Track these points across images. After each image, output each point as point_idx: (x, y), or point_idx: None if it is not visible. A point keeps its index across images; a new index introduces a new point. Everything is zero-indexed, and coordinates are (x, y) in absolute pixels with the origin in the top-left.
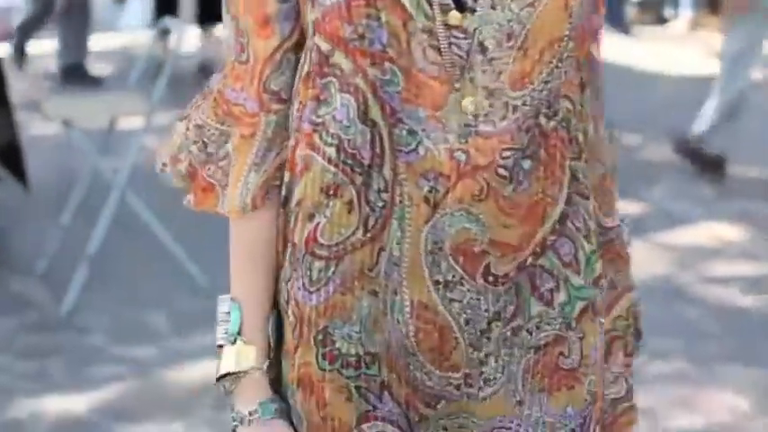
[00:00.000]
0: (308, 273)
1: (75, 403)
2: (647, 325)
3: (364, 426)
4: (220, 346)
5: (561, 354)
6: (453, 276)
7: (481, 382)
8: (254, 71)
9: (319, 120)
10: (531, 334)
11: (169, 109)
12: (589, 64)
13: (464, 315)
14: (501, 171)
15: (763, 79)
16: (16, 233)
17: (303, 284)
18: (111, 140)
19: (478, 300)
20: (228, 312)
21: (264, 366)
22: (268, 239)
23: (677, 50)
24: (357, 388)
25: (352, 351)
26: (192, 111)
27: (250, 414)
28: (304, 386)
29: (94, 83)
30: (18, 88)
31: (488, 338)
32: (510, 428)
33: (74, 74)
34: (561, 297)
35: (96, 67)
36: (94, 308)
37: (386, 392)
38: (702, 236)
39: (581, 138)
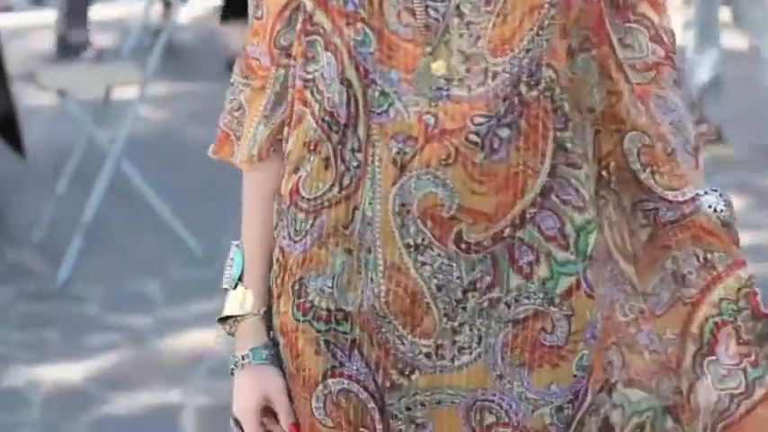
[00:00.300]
0: (293, 223)
1: (71, 372)
2: None
3: (329, 381)
4: (226, 290)
5: (543, 329)
6: (423, 240)
7: (455, 351)
8: (266, 26)
9: (309, 76)
10: (509, 307)
11: (164, 79)
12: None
13: (435, 280)
14: (472, 137)
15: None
16: (12, 203)
17: (288, 234)
18: (106, 110)
19: (450, 266)
20: (233, 258)
21: (261, 312)
22: (272, 190)
23: None
24: (326, 342)
25: (324, 305)
26: None
27: (243, 358)
28: (283, 334)
29: (92, 54)
30: (14, 60)
31: (464, 308)
32: (493, 401)
33: (72, 45)
34: (542, 272)
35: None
36: (90, 277)
37: (356, 351)
38: None
39: (567, 107)
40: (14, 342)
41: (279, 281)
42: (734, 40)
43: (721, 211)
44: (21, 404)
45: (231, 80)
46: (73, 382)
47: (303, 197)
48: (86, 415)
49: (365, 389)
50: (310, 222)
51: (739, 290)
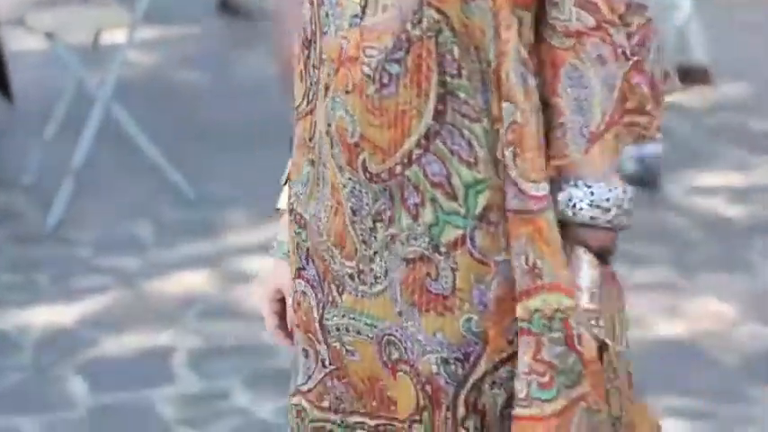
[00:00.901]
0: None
1: (61, 314)
2: (631, 232)
3: (296, 281)
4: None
5: (428, 275)
6: (340, 160)
7: (372, 279)
8: None
9: None
10: (402, 245)
11: (153, 22)
12: None
13: (350, 203)
14: (365, 69)
15: None
16: (1, 147)
17: (291, 138)
18: (95, 54)
19: (361, 192)
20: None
21: None
22: None
23: None
24: (296, 244)
25: (298, 209)
26: None
27: (270, 249)
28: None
29: None
30: (2, 4)
31: (375, 238)
32: (396, 337)
33: None
34: (428, 216)
35: None
36: (80, 220)
37: (310, 259)
38: (690, 147)
39: (457, 53)
40: (5, 285)
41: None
42: None
43: (580, 209)
44: (11, 347)
45: None
46: (64, 325)
47: (294, 106)
48: (77, 357)
49: (315, 296)
50: (295, 130)
51: (557, 311)
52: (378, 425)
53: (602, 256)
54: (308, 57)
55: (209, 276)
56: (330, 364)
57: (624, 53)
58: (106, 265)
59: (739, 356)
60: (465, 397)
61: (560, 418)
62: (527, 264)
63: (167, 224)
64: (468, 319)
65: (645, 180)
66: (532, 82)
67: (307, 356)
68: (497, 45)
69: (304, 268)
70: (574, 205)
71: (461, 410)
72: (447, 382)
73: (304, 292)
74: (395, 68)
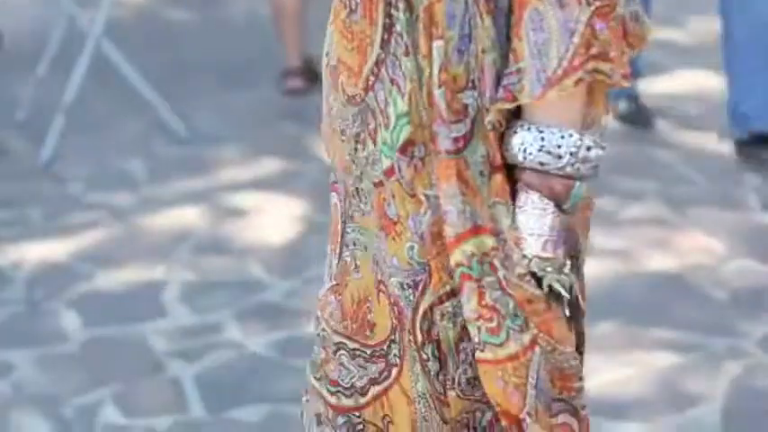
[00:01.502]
0: None
1: (54, 249)
2: (622, 168)
3: (331, 194)
4: None
5: (384, 199)
6: (330, 81)
7: (364, 197)
8: None
9: None
10: (371, 168)
11: None
12: None
13: (339, 124)
14: None
15: None
16: None
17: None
18: None
19: (345, 114)
20: None
21: None
22: None
23: None
24: (333, 153)
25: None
26: None
27: None
28: None
29: None
30: None
31: (357, 159)
32: (379, 257)
33: None
34: (380, 142)
35: None
36: (73, 157)
37: (337, 172)
38: (681, 82)
39: None
40: None
41: None
42: None
43: (530, 153)
44: (5, 282)
45: None
46: (57, 260)
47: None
48: (70, 292)
49: (341, 209)
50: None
51: (485, 254)
52: (355, 348)
53: (558, 203)
54: None
55: (201, 212)
56: (333, 279)
57: None
58: (99, 200)
59: (728, 291)
60: (420, 324)
61: (515, 361)
62: (458, 206)
63: (159, 160)
64: (411, 247)
65: (638, 118)
66: (481, 23)
67: (330, 266)
68: None
69: (336, 181)
70: (525, 149)
71: (419, 336)
72: (406, 307)
73: (336, 204)
74: None
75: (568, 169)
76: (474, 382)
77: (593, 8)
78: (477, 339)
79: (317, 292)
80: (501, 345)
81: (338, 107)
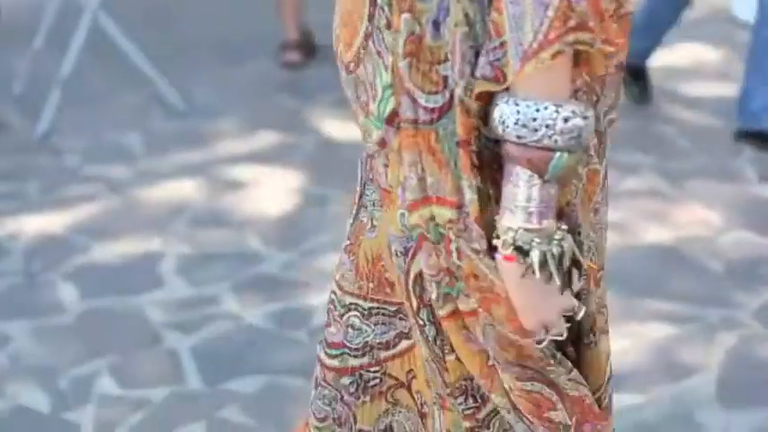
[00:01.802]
0: None
1: (52, 222)
2: (620, 141)
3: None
4: None
5: (377, 169)
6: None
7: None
8: None
9: None
10: (368, 138)
11: None
12: None
13: (346, 91)
14: None
15: None
16: None
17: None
18: None
19: (347, 81)
20: None
21: None
22: None
23: None
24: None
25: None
26: None
27: None
28: None
29: None
30: None
31: (360, 126)
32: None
33: None
34: (371, 114)
35: None
36: (70, 130)
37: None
38: (679, 57)
39: None
40: None
41: None
42: None
43: (507, 126)
44: (2, 254)
45: None
46: (54, 232)
47: None
48: (67, 264)
49: (362, 171)
50: None
51: (438, 225)
52: (371, 308)
53: (541, 174)
54: None
55: (198, 184)
56: (347, 239)
57: None
58: (96, 173)
59: (724, 262)
60: (413, 289)
61: (470, 317)
62: (418, 174)
63: (157, 134)
64: (402, 215)
65: (637, 92)
66: None
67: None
68: None
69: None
70: (504, 122)
71: (414, 301)
72: (399, 273)
73: (361, 161)
74: None
75: (546, 141)
76: None
77: None
78: (434, 295)
79: (314, 263)
80: (451, 294)
81: (343, 76)
